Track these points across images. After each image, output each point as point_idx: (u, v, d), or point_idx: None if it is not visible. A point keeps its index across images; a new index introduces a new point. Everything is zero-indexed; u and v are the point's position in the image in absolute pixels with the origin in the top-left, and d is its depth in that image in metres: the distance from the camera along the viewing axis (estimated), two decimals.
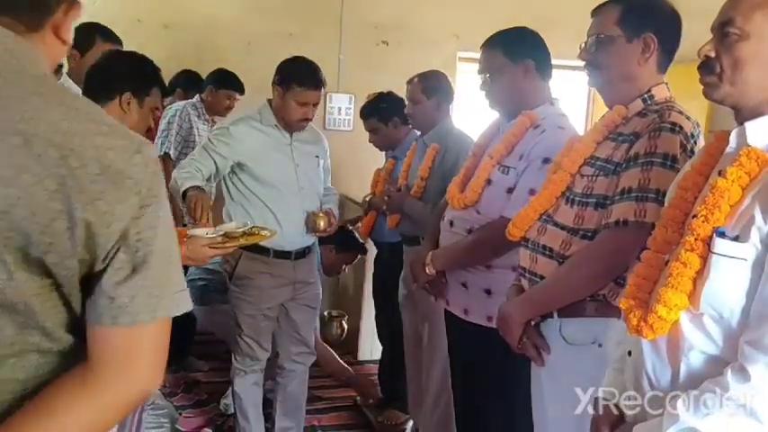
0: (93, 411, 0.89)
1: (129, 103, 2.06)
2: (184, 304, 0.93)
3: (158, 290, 0.89)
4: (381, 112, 3.28)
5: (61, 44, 0.96)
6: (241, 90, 3.95)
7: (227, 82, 3.91)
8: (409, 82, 2.99)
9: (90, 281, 0.88)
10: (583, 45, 1.73)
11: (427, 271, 2.24)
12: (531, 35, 2.18)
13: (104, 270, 0.86)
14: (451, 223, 2.21)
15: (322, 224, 2.64)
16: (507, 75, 2.12)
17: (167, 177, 3.64)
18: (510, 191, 2.05)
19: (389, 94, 3.31)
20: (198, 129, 3.83)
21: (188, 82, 4.12)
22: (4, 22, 0.89)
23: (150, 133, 2.43)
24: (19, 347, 0.88)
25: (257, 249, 2.58)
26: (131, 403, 0.95)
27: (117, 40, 2.64)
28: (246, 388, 2.80)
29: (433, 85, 2.94)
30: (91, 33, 2.57)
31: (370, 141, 3.45)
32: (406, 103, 3.03)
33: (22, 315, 0.86)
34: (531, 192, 1.94)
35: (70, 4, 0.95)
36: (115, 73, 2.09)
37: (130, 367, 0.89)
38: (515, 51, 2.11)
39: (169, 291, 0.91)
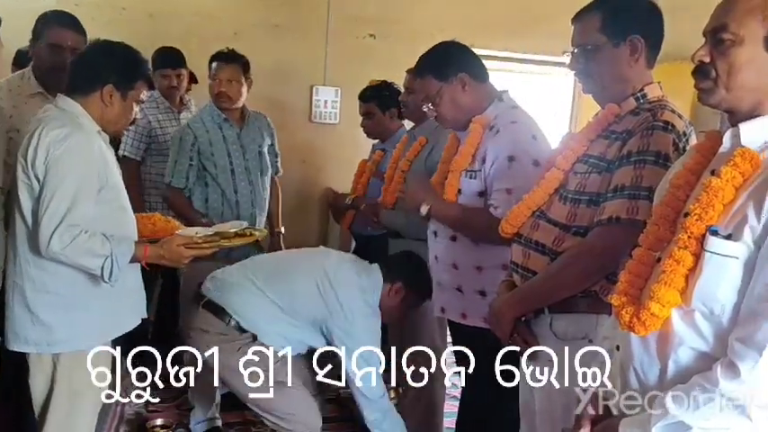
0: None
1: (111, 96, 2.01)
2: None
3: None
4: (382, 99, 3.32)
5: None
6: (174, 64, 3.63)
7: (156, 62, 3.56)
8: (409, 71, 3.00)
9: None
10: (570, 56, 1.73)
11: (421, 210, 2.20)
12: (455, 49, 2.20)
13: None
14: (435, 234, 2.24)
15: None
16: (446, 95, 2.15)
17: (130, 179, 3.38)
18: (481, 194, 2.08)
19: (392, 84, 3.34)
20: (158, 121, 3.62)
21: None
22: None
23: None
24: None
25: None
26: None
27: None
28: None
29: None
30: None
31: (361, 125, 3.47)
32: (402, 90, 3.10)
33: None
34: (508, 191, 1.96)
35: None
36: (100, 65, 2.04)
37: None
38: (444, 71, 2.13)
39: None
